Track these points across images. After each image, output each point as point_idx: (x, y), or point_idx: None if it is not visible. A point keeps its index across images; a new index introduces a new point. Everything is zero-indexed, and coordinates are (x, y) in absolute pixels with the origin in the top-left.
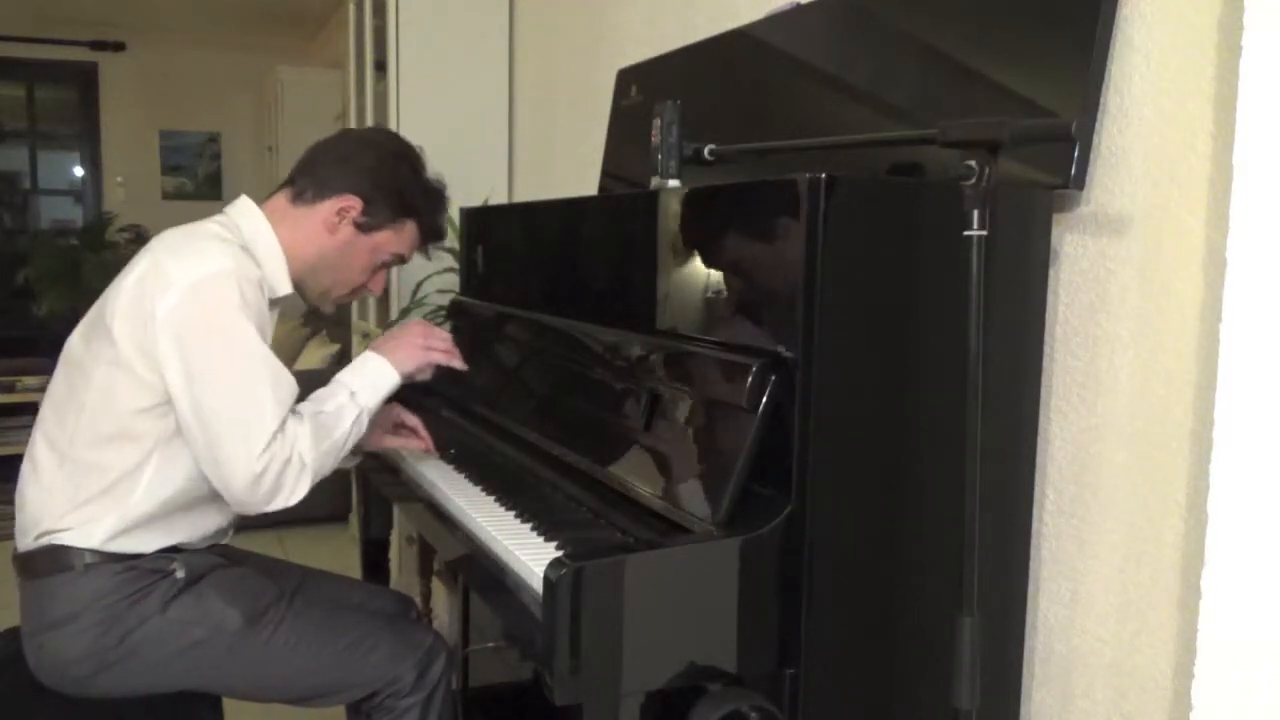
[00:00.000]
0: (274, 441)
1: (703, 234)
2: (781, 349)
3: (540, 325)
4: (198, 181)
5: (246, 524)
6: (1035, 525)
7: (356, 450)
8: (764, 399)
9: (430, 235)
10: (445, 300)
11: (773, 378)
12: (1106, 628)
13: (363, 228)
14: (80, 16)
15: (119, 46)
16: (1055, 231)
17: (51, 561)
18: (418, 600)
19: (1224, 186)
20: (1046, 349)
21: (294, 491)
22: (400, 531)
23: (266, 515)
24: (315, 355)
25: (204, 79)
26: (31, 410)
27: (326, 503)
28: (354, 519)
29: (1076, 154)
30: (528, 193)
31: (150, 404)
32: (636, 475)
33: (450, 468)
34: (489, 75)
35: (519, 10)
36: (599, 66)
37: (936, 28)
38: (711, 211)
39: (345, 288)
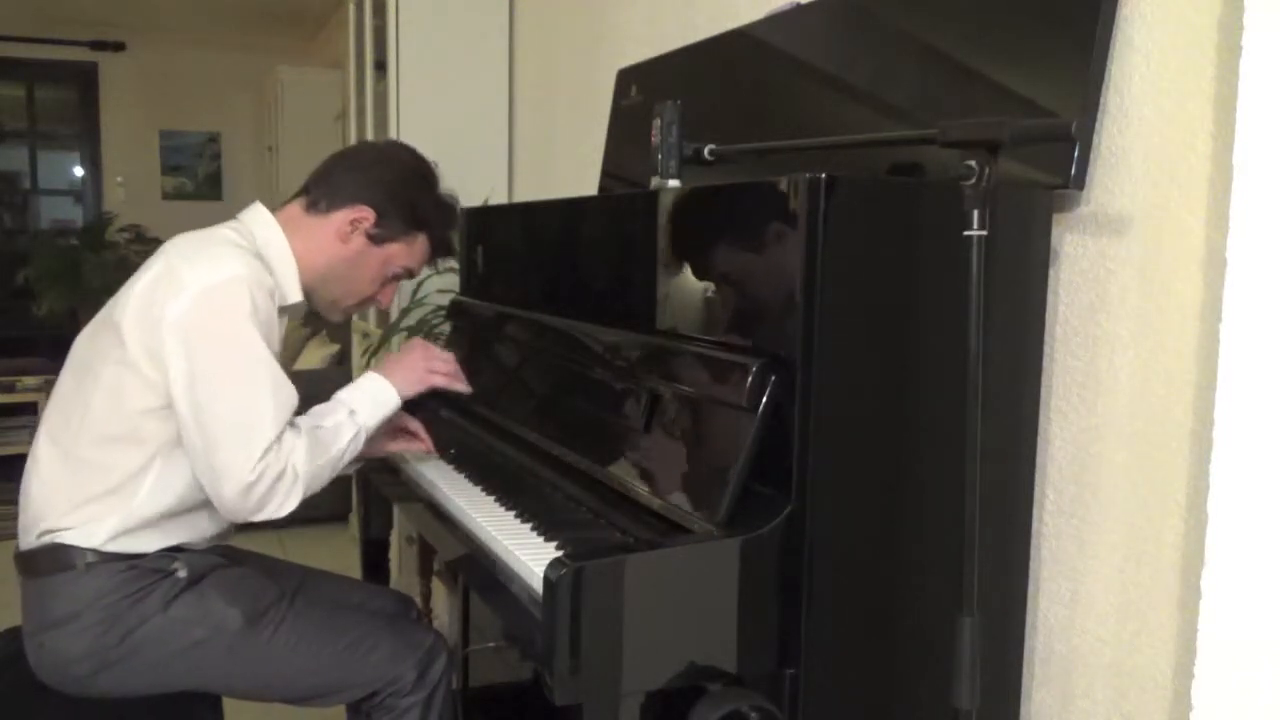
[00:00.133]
0: (270, 451)
1: (703, 234)
2: (781, 349)
3: (540, 325)
4: (198, 181)
5: (248, 524)
6: (1035, 525)
7: (359, 457)
8: (764, 399)
9: (440, 250)
10: (445, 300)
11: (773, 378)
12: (1106, 628)
13: (375, 239)
14: (80, 16)
15: (119, 46)
16: (1055, 231)
17: (53, 560)
18: (418, 600)
19: (1224, 186)
20: (1046, 349)
21: (284, 504)
22: (400, 531)
23: None
24: (315, 355)
25: (204, 79)
26: (31, 410)
27: (326, 503)
28: (354, 519)
29: (1076, 154)
30: (528, 193)
31: (156, 405)
32: (636, 475)
33: (450, 468)
34: (489, 75)
35: (519, 10)
36: (599, 66)
37: (936, 28)
38: (711, 211)
39: (354, 298)
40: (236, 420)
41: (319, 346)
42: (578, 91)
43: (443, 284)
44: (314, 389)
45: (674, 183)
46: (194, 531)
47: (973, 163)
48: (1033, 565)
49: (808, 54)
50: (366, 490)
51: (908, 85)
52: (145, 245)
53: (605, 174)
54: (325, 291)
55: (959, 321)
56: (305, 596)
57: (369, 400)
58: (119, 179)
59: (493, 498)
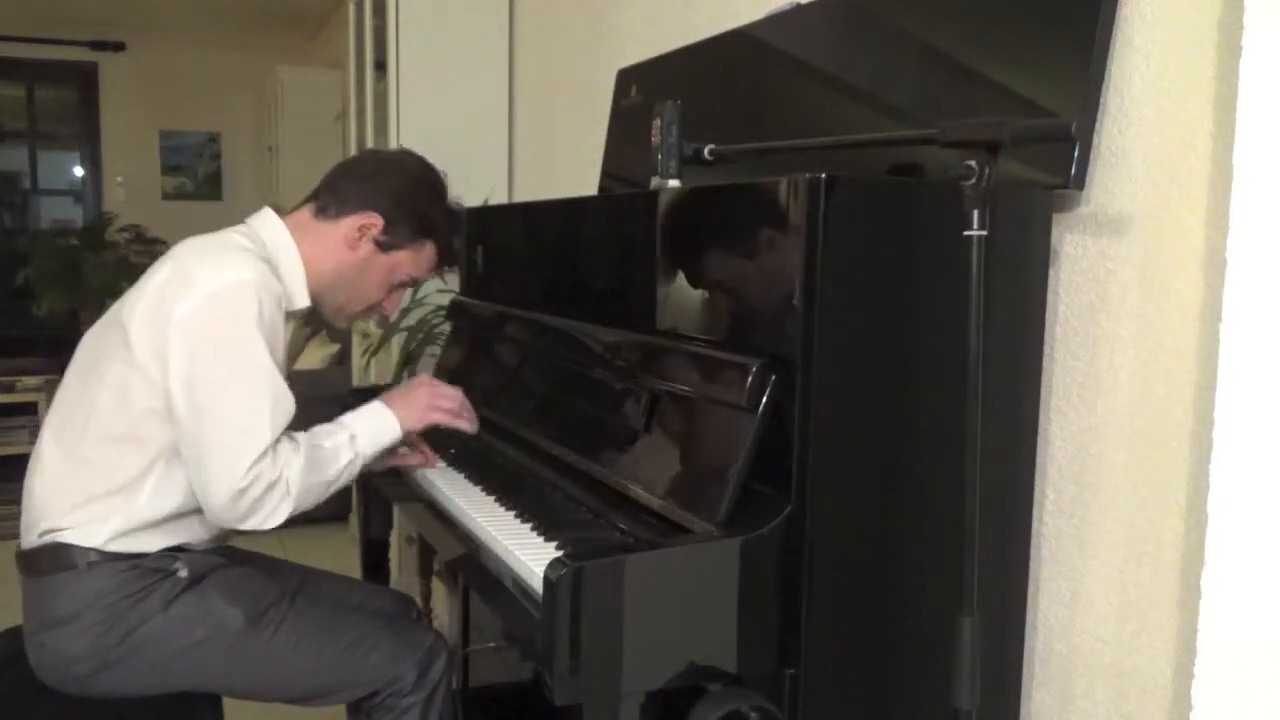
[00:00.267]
0: (263, 459)
1: (703, 234)
2: (781, 349)
3: (540, 325)
4: (198, 181)
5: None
6: (1035, 525)
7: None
8: (764, 399)
9: (447, 259)
10: (445, 300)
11: (773, 378)
12: (1106, 628)
13: (382, 246)
14: (80, 16)
15: (119, 46)
16: (1055, 231)
17: (54, 559)
18: (418, 600)
19: (1224, 186)
20: (1046, 349)
21: (272, 515)
22: (400, 531)
23: None
24: (315, 355)
25: (204, 79)
26: (31, 410)
27: (327, 503)
28: (354, 519)
29: (1076, 154)
30: (528, 193)
31: (160, 407)
32: (636, 475)
33: (450, 468)
34: (489, 75)
35: (519, 10)
36: (599, 66)
37: (936, 28)
38: (711, 211)
39: (360, 304)
40: (233, 425)
41: (319, 346)
42: (578, 91)
43: (443, 284)
44: (314, 389)
45: (674, 183)
46: (195, 532)
47: (973, 163)
48: (1033, 565)
49: (808, 54)
50: (366, 490)
51: (908, 85)
52: (145, 245)
53: (605, 174)
54: (332, 297)
55: (959, 321)
56: (306, 596)
57: (371, 430)
58: (119, 179)
59: (493, 498)
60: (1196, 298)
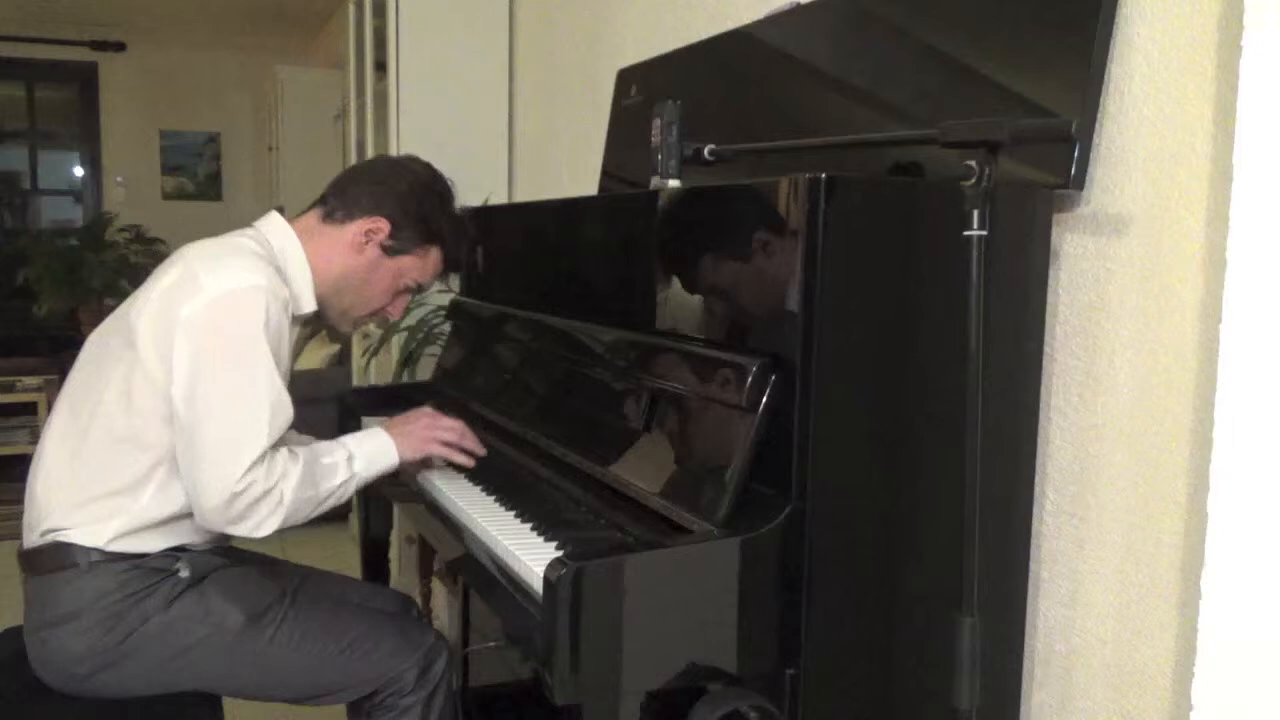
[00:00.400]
0: (259, 465)
1: (703, 234)
2: (781, 349)
3: (540, 325)
4: (198, 181)
5: None
6: (1035, 525)
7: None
8: (764, 399)
9: (452, 265)
10: (445, 300)
11: (773, 378)
12: (1106, 628)
13: (388, 251)
14: (80, 16)
15: (119, 46)
16: (1055, 231)
17: (56, 559)
18: (418, 600)
19: (1224, 186)
20: (1046, 349)
21: (263, 524)
22: (400, 531)
23: None
24: (315, 355)
25: (204, 79)
26: (31, 410)
27: None
28: (354, 519)
29: (1076, 154)
30: (528, 193)
31: (164, 409)
32: (636, 475)
33: (450, 468)
34: (489, 75)
35: (519, 10)
36: (599, 66)
37: (936, 28)
38: (711, 211)
39: (366, 309)
40: (231, 427)
41: (319, 347)
42: (578, 92)
43: (443, 284)
44: (314, 389)
45: (674, 183)
46: (197, 533)
47: (973, 163)
48: (1033, 565)
49: (808, 54)
50: (366, 490)
51: (908, 85)
52: (145, 245)
53: (605, 174)
54: (338, 301)
55: (959, 321)
56: (306, 596)
57: (370, 453)
58: (119, 179)
59: (493, 498)
60: (1196, 298)
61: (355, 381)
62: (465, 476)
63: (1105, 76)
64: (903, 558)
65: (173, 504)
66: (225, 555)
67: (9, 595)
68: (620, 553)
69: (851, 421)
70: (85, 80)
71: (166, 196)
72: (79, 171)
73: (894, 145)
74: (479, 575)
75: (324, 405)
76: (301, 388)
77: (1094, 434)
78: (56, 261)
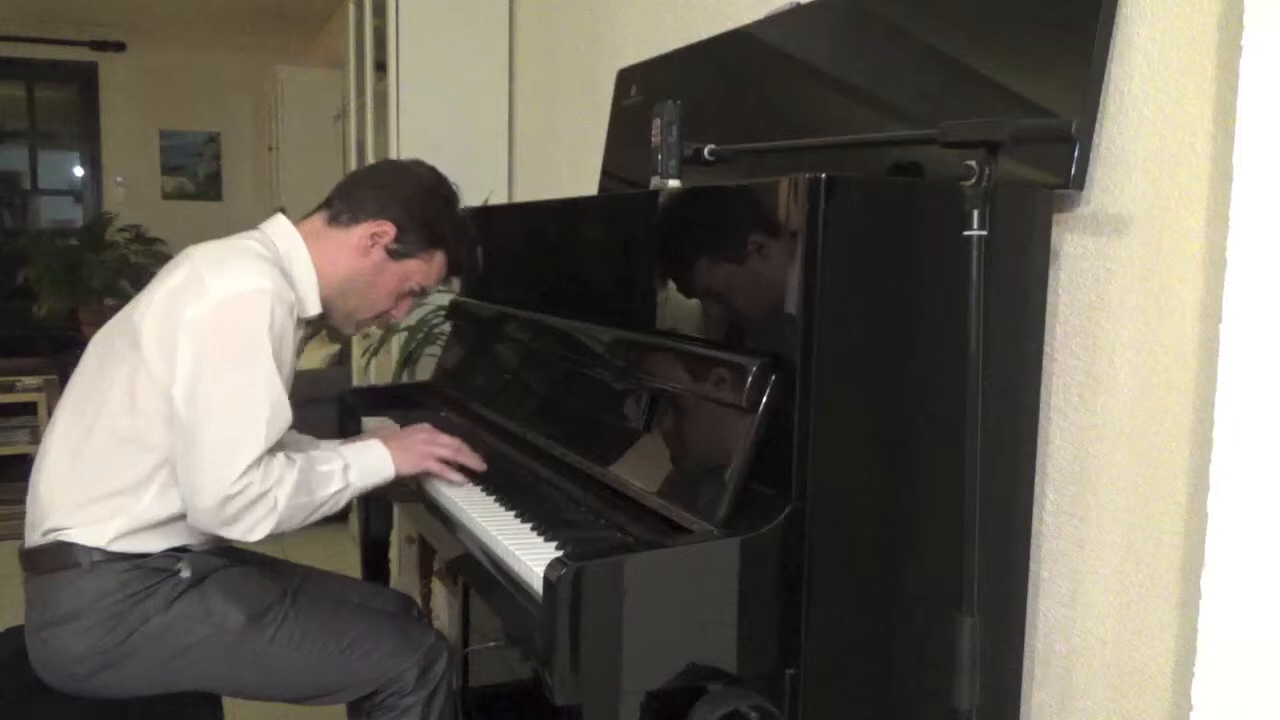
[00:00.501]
0: (255, 469)
1: (702, 234)
2: (781, 349)
3: (540, 325)
4: (198, 181)
5: None
6: (1035, 525)
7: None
8: (764, 399)
9: (455, 269)
10: (445, 300)
11: (772, 378)
12: (1106, 628)
13: (393, 254)
14: (80, 16)
15: (119, 46)
16: (1055, 231)
17: (58, 558)
18: (418, 600)
19: (1224, 186)
20: (1046, 349)
21: (255, 528)
22: (400, 531)
23: None
24: (315, 355)
25: (204, 79)
26: (31, 410)
27: None
28: (354, 519)
29: (1076, 154)
30: (528, 193)
31: (166, 411)
32: (636, 475)
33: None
34: (489, 75)
35: (519, 10)
36: (599, 66)
37: (936, 28)
38: (711, 212)
39: (370, 311)
40: (229, 429)
41: (319, 346)
42: (578, 92)
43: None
44: (314, 389)
45: (674, 183)
46: (198, 533)
47: (973, 163)
48: (1033, 565)
49: (808, 54)
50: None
51: (908, 85)
52: (145, 245)
53: (605, 174)
54: (343, 304)
55: (959, 321)
56: (306, 596)
57: (365, 465)
58: (119, 179)
59: (493, 498)
60: (1196, 298)
61: (355, 381)
62: (465, 476)
63: (1105, 76)
64: (903, 558)
65: (174, 505)
66: (226, 556)
67: (9, 595)
68: (620, 553)
69: (851, 421)
70: (85, 80)
71: (166, 196)
72: (79, 171)
73: (894, 145)
74: (479, 575)
75: (324, 405)
76: (301, 388)
77: (1094, 434)
78: (56, 261)
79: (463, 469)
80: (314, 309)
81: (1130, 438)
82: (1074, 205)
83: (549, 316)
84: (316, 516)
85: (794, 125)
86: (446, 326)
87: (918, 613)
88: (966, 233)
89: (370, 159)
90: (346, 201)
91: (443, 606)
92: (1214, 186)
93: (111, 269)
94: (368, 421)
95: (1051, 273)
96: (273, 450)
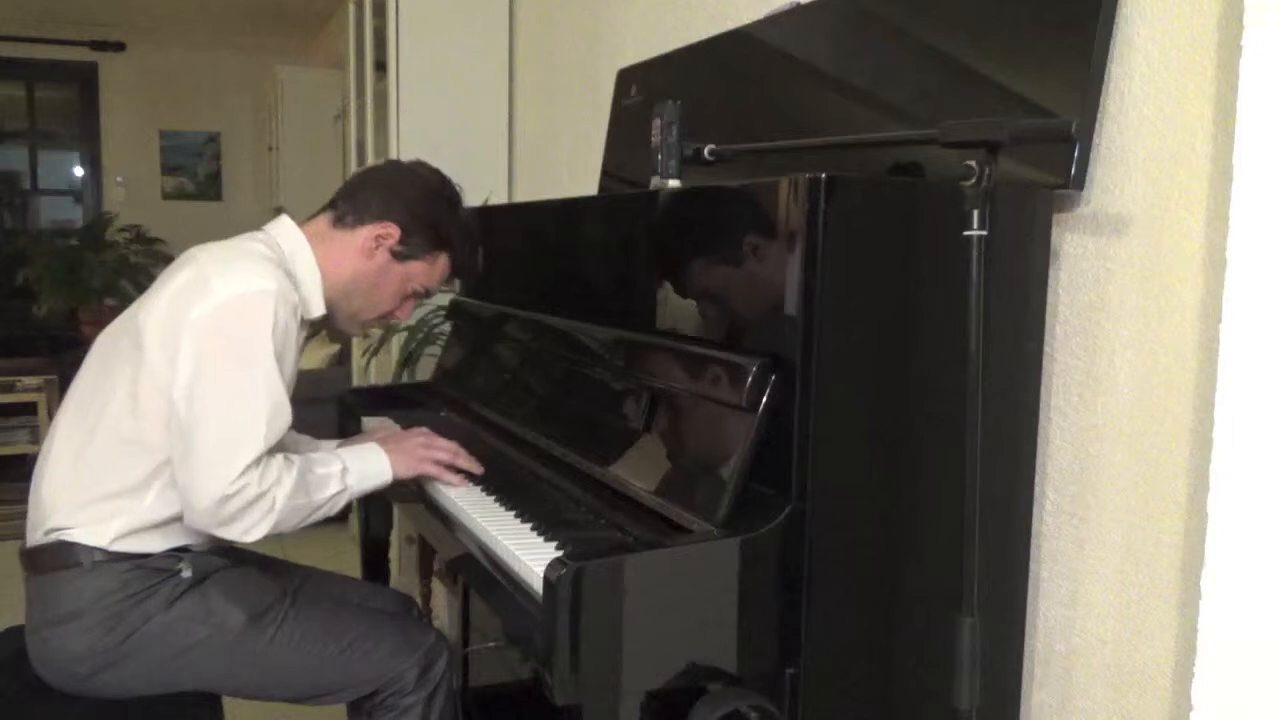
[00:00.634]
0: (252, 469)
1: (702, 234)
2: (781, 349)
3: (540, 325)
4: (198, 181)
5: None
6: (1035, 525)
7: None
8: (764, 399)
9: (459, 271)
10: (445, 300)
11: (772, 378)
12: (1106, 628)
13: (398, 256)
14: (80, 16)
15: (119, 46)
16: (1055, 231)
17: (59, 557)
18: (418, 600)
19: (1224, 186)
20: (1046, 349)
21: (252, 529)
22: (400, 531)
23: None
24: (315, 355)
25: (204, 79)
26: (31, 410)
27: None
28: (354, 519)
29: (1076, 154)
30: (528, 193)
31: (168, 413)
32: (636, 475)
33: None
34: (489, 75)
35: (519, 10)
36: (599, 66)
37: (937, 28)
38: (711, 212)
39: (374, 312)
40: (228, 429)
41: (319, 346)
42: (578, 91)
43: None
44: (314, 389)
45: (674, 183)
46: (199, 534)
47: (973, 163)
48: (1033, 565)
49: (808, 54)
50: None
51: (908, 85)
52: (145, 245)
53: (605, 174)
54: (347, 305)
55: (959, 321)
56: (307, 596)
57: (363, 469)
58: (119, 179)
59: (493, 498)
60: (1196, 298)
61: (355, 381)
62: (465, 476)
63: (1105, 76)
64: (903, 558)
65: (176, 505)
66: (227, 556)
67: (10, 595)
68: (620, 553)
69: (851, 421)
70: (85, 80)
71: (166, 196)
72: (79, 171)
73: (894, 145)
74: (479, 575)
75: (324, 405)
76: (301, 388)
77: (1094, 434)
78: (56, 261)
79: (461, 471)
80: (318, 310)
81: (1130, 438)
82: (1074, 205)
83: (549, 316)
84: (314, 518)
85: (794, 125)
86: (446, 326)
87: (918, 613)
88: (966, 233)
89: (370, 159)
90: (351, 203)
91: (443, 606)
92: (1214, 186)
93: (111, 269)
94: (367, 421)
95: (1051, 273)
96: (272, 451)
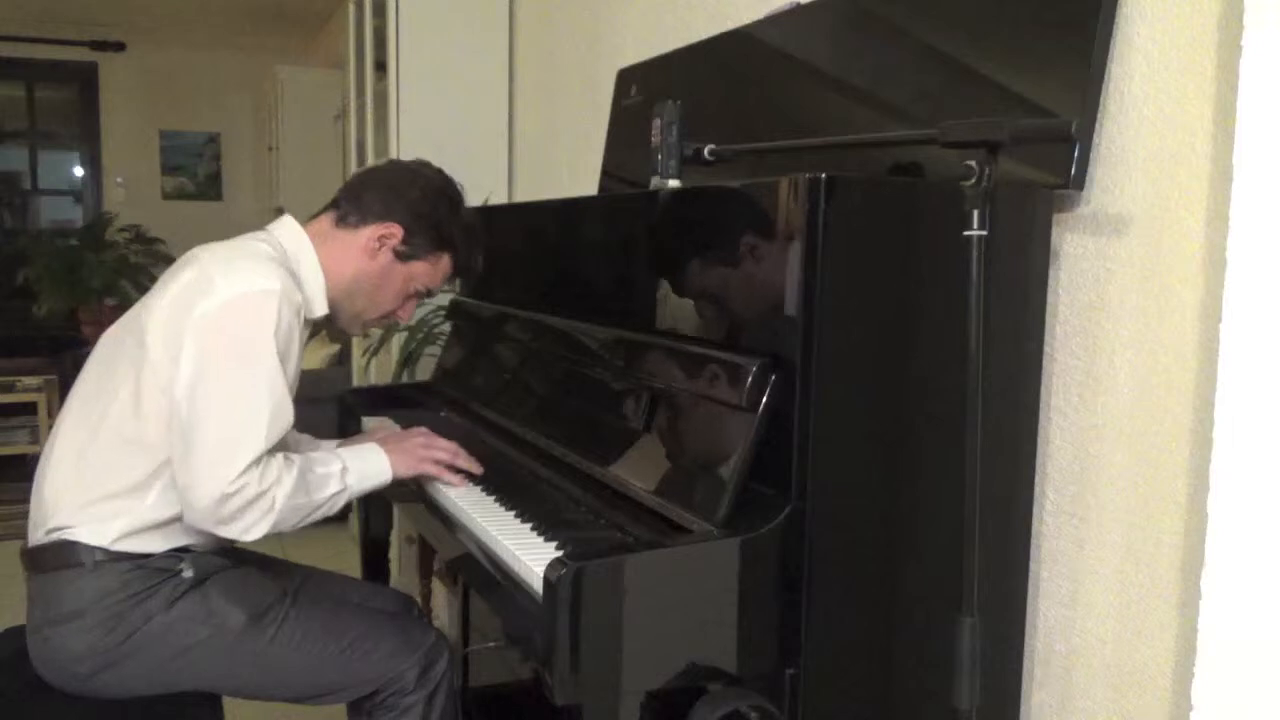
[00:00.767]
0: (252, 468)
1: (702, 234)
2: (781, 349)
3: (540, 325)
4: (198, 181)
5: None
6: (1035, 525)
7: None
8: (764, 399)
9: (461, 271)
10: (445, 300)
11: (772, 378)
12: (1106, 628)
13: (401, 256)
14: (80, 16)
15: (119, 46)
16: (1055, 231)
17: (61, 557)
18: (418, 600)
19: (1224, 186)
20: (1046, 349)
21: (252, 528)
22: (400, 531)
23: None
24: (315, 355)
25: (204, 79)
26: (31, 410)
27: None
28: (354, 519)
29: (1076, 154)
30: (528, 193)
31: (169, 411)
32: (636, 475)
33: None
34: (489, 75)
35: (519, 10)
36: (599, 66)
37: (937, 28)
38: (711, 212)
39: (377, 311)
40: (229, 428)
41: (319, 346)
42: (578, 91)
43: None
44: (314, 389)
45: (674, 183)
46: (201, 534)
47: (973, 163)
48: (1033, 565)
49: (808, 54)
50: None
51: (908, 85)
52: (145, 245)
53: (605, 174)
54: (349, 305)
55: (959, 321)
56: (307, 596)
57: (363, 469)
58: (119, 179)
59: (493, 498)
60: (1196, 298)
61: (355, 381)
62: (465, 476)
63: (1105, 76)
64: (903, 558)
65: (177, 506)
66: (228, 556)
67: (10, 594)
68: (620, 553)
69: (851, 421)
70: (85, 80)
71: (166, 196)
72: (79, 171)
73: (894, 145)
74: (479, 575)
75: (324, 405)
76: (302, 388)
77: (1094, 434)
78: (56, 261)
79: (461, 471)
80: (321, 310)
81: (1130, 438)
82: (1074, 205)
83: (549, 316)
84: (314, 518)
85: (794, 125)
86: (446, 326)
87: (918, 613)
88: (966, 233)
89: (370, 159)
90: (354, 203)
91: (443, 606)
92: (1214, 186)
93: (111, 269)
94: (367, 421)
95: (1051, 273)
96: (273, 450)
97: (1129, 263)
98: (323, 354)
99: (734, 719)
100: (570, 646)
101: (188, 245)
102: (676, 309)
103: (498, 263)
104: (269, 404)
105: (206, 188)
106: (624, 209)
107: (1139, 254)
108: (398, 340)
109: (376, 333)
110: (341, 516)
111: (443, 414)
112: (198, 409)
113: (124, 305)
